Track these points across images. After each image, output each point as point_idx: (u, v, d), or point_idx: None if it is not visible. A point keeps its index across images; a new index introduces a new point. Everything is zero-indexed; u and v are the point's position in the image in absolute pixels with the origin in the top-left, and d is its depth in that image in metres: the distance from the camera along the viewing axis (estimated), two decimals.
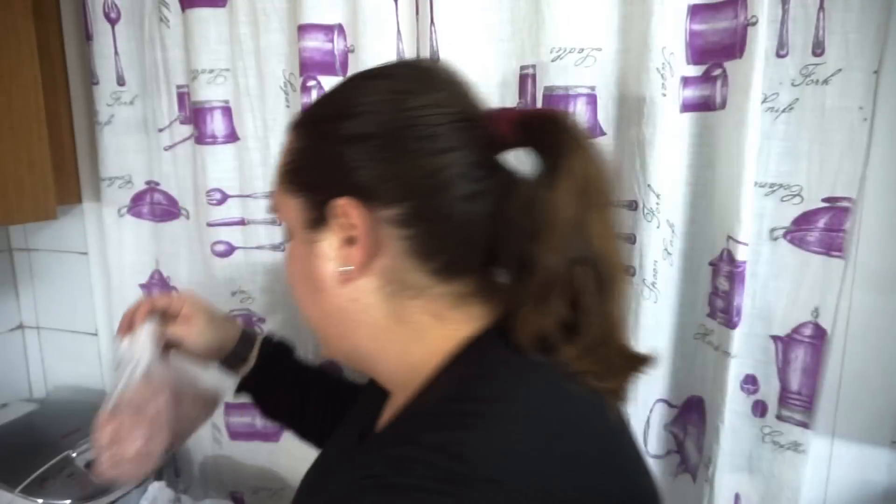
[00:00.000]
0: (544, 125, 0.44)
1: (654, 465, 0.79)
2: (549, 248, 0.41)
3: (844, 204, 0.65)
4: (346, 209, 0.44)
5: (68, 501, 0.83)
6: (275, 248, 0.91)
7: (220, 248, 0.92)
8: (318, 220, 0.46)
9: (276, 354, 0.75)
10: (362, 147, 0.44)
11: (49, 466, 0.86)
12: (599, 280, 0.42)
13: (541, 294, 0.42)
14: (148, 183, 0.97)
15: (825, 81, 0.64)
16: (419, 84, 0.46)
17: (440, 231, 0.44)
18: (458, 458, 0.36)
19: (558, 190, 0.41)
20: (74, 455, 0.88)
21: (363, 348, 0.49)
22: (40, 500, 0.82)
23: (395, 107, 0.44)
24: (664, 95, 0.67)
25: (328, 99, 0.49)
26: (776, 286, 0.70)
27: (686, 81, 0.70)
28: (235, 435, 0.99)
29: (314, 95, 0.81)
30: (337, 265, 0.46)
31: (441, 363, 0.45)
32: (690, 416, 0.77)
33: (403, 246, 0.44)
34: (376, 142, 0.44)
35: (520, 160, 0.45)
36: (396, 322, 0.47)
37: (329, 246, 0.46)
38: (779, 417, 0.71)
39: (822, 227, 0.67)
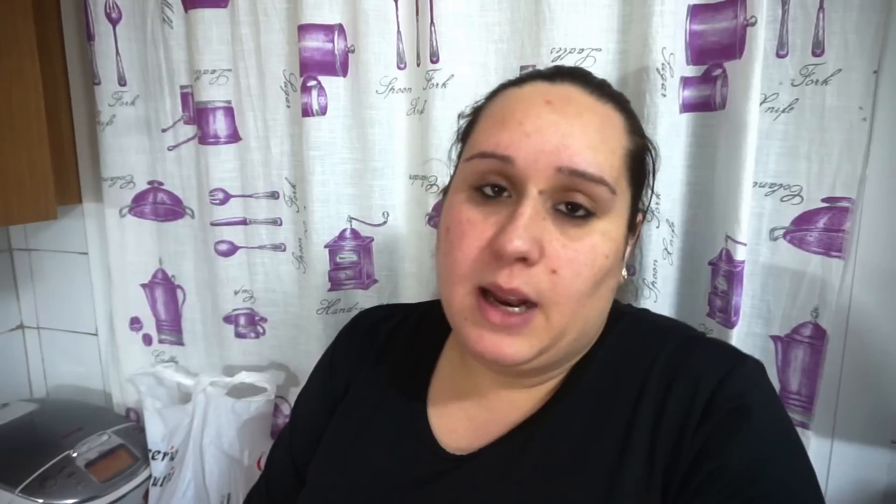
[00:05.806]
0: None
1: None
2: None
3: (844, 204, 0.65)
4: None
5: (68, 501, 0.83)
6: (275, 248, 0.92)
7: (223, 247, 0.92)
8: (633, 218, 0.51)
9: None
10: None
11: (49, 466, 0.86)
12: None
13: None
14: (150, 183, 0.98)
15: (825, 81, 0.64)
16: None
17: None
18: None
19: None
20: (74, 455, 0.88)
21: (598, 327, 0.53)
22: (40, 500, 0.82)
23: None
24: (664, 96, 0.67)
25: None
26: (776, 286, 0.70)
27: (686, 82, 0.70)
28: None
29: (314, 95, 0.81)
30: (622, 257, 0.51)
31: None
32: None
33: None
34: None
35: None
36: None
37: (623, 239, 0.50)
38: None
39: (821, 228, 0.67)
